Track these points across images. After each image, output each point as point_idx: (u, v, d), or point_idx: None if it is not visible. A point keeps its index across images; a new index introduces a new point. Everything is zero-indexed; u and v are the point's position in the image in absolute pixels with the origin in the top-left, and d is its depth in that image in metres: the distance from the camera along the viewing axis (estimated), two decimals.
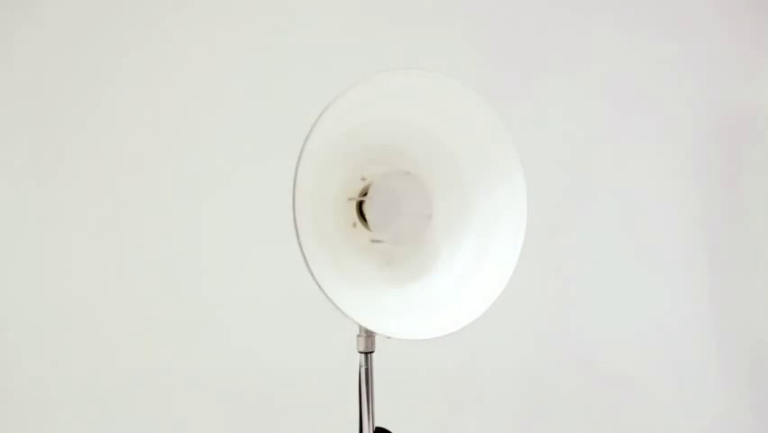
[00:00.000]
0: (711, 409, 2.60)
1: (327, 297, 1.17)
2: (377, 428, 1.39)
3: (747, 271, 2.66)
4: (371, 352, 1.35)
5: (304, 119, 2.59)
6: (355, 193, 1.38)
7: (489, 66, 2.63)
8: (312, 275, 1.19)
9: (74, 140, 2.58)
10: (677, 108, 2.66)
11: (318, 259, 1.19)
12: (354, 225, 1.37)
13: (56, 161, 2.58)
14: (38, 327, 2.53)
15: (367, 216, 1.36)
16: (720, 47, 2.65)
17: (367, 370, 1.34)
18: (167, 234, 2.59)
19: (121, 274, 2.57)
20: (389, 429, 1.41)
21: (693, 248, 2.67)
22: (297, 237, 1.20)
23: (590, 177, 2.67)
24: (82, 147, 2.57)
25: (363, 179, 1.38)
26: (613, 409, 2.61)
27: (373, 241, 1.38)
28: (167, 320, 2.55)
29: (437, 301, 1.32)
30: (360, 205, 1.37)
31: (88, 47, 2.58)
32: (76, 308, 2.54)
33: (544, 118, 2.65)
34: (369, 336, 1.32)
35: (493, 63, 2.63)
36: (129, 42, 2.59)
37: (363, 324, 1.20)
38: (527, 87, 2.63)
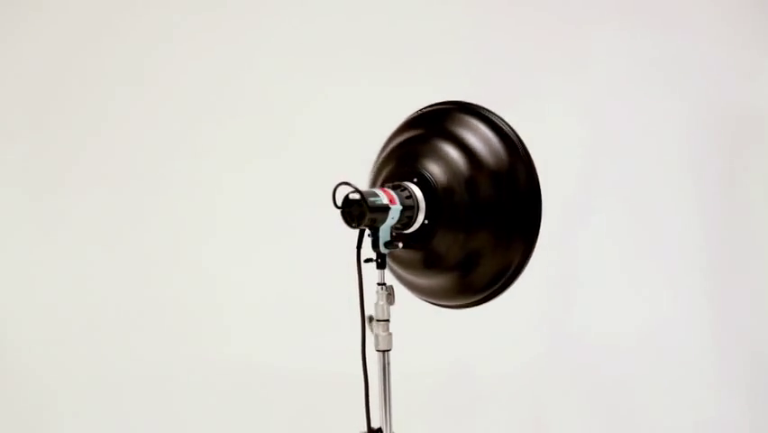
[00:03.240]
0: (711, 410, 2.61)
1: None
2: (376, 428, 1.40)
3: (747, 271, 2.67)
4: (389, 350, 1.36)
5: (302, 122, 2.61)
6: None
7: (491, 66, 2.64)
8: None
9: (74, 142, 2.58)
10: (677, 108, 2.67)
11: None
12: None
13: (56, 163, 2.58)
14: (37, 327, 2.52)
15: None
16: (720, 47, 2.66)
17: (385, 367, 1.35)
18: (167, 235, 2.58)
19: (121, 275, 2.56)
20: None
21: (693, 248, 2.68)
22: None
23: (590, 179, 2.68)
24: (82, 150, 2.57)
25: None
26: (613, 409, 2.62)
27: None
28: (167, 321, 2.55)
29: None
30: None
31: (91, 51, 2.58)
32: (75, 309, 2.53)
33: (544, 119, 2.65)
34: (388, 334, 1.33)
35: (494, 64, 2.64)
36: (130, 45, 2.59)
37: None
38: (528, 88, 2.64)
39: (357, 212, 1.32)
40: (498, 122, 1.48)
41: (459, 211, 1.40)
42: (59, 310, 2.51)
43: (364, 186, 1.51)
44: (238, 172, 2.60)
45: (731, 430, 2.58)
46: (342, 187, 1.34)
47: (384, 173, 1.50)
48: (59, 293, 2.52)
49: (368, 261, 1.38)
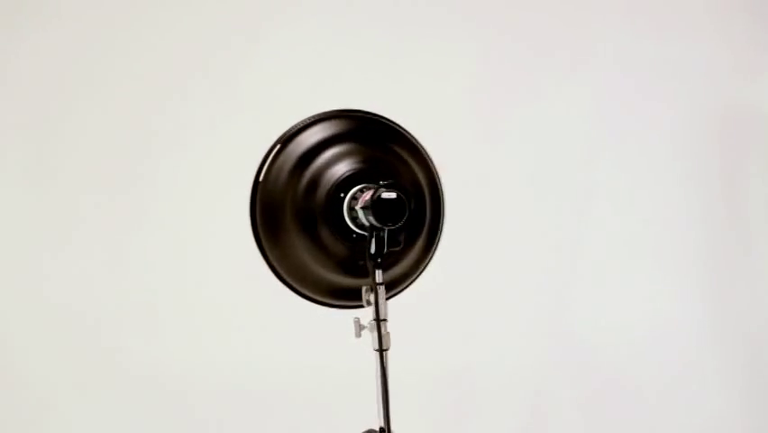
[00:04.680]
0: (710, 409, 2.61)
1: None
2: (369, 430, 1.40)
3: (747, 271, 2.67)
4: (386, 349, 1.36)
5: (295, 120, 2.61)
6: None
7: (491, 67, 2.64)
8: None
9: (73, 141, 2.58)
10: (677, 108, 2.67)
11: None
12: None
13: (54, 163, 2.58)
14: (36, 327, 2.52)
15: None
16: (720, 47, 2.66)
17: (383, 367, 1.35)
18: (166, 235, 2.58)
19: (120, 275, 2.56)
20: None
21: (693, 248, 2.68)
22: None
23: (590, 178, 2.68)
24: (82, 148, 2.57)
25: None
26: (613, 410, 2.62)
27: None
28: (166, 321, 2.55)
29: None
30: None
31: (89, 51, 2.58)
32: (74, 309, 2.53)
33: (544, 119, 2.65)
34: (386, 333, 1.34)
35: (495, 64, 2.64)
36: (127, 46, 2.59)
37: None
38: (528, 88, 2.64)
39: (397, 211, 1.34)
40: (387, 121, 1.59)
41: (414, 211, 1.45)
42: (58, 310, 2.51)
43: None
44: (239, 171, 2.59)
45: (731, 430, 2.59)
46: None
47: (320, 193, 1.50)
48: (59, 292, 2.52)
49: (363, 262, 1.40)
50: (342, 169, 1.48)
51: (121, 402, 2.49)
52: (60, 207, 2.55)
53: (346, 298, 1.53)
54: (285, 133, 1.54)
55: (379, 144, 1.56)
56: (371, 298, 1.39)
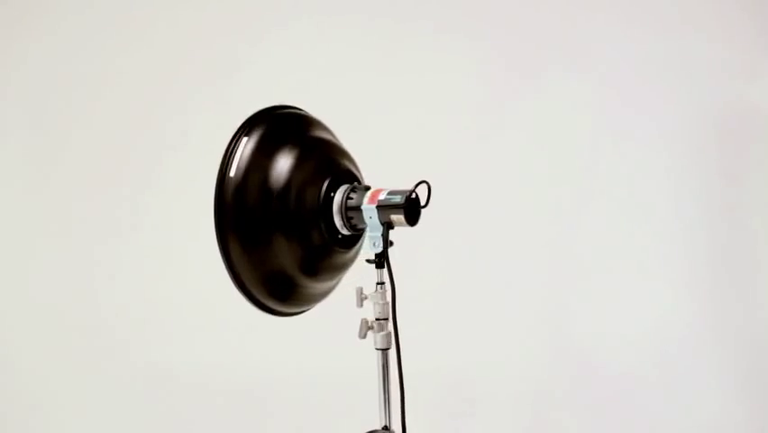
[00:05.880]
0: (710, 410, 2.61)
1: None
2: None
3: (747, 271, 2.67)
4: (388, 349, 1.36)
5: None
6: None
7: (491, 67, 2.64)
8: None
9: (71, 142, 2.58)
10: (677, 108, 2.67)
11: None
12: None
13: (53, 163, 2.58)
14: (33, 326, 2.52)
15: None
16: (720, 47, 2.66)
17: (384, 366, 1.35)
18: (165, 234, 2.58)
19: (120, 275, 2.56)
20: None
21: (693, 248, 2.68)
22: None
23: (591, 177, 2.68)
24: (79, 149, 2.57)
25: None
26: (613, 409, 2.62)
27: None
28: (165, 320, 2.55)
29: None
30: None
31: (88, 50, 2.58)
32: (73, 308, 2.53)
33: (544, 118, 2.66)
34: (387, 333, 1.33)
35: (494, 64, 2.64)
36: (121, 52, 2.59)
37: None
38: (528, 88, 2.64)
39: (419, 211, 1.34)
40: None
41: None
42: (56, 310, 2.52)
43: None
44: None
45: (731, 430, 2.58)
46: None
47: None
48: (56, 292, 2.52)
49: (370, 261, 1.40)
50: (319, 169, 1.40)
51: (120, 403, 2.50)
52: (58, 208, 2.55)
53: (298, 302, 1.47)
54: (244, 128, 1.46)
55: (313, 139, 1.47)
56: (365, 300, 1.37)
